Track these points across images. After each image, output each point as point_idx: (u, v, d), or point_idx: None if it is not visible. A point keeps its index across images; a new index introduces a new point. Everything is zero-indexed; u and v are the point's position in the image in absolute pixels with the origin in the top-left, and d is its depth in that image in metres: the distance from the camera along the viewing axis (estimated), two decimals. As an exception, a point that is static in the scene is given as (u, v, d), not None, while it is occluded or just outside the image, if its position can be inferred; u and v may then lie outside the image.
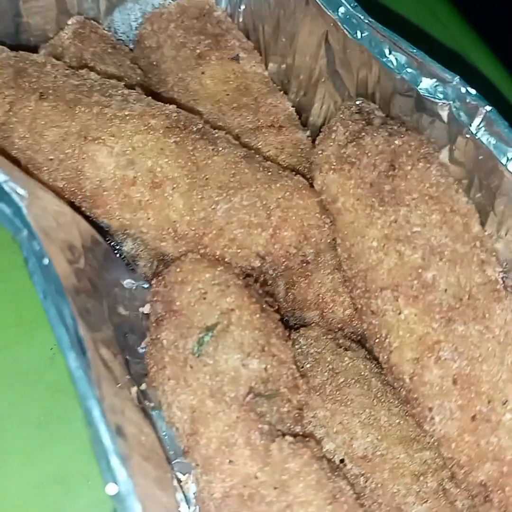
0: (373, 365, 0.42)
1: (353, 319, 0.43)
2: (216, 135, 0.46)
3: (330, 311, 0.44)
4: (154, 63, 0.56)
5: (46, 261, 0.34)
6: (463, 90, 0.40)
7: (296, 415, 0.37)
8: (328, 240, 0.39)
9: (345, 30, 0.50)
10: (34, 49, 0.58)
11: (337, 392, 0.38)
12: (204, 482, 0.37)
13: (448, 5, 0.63)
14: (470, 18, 0.68)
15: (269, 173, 0.43)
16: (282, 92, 0.56)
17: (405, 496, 0.36)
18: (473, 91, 0.42)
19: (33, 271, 0.34)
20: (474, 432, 0.31)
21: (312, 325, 0.46)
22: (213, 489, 0.35)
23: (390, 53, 0.44)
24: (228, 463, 0.33)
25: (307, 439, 0.39)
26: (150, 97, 0.49)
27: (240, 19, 0.57)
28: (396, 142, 0.37)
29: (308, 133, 0.53)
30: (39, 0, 0.48)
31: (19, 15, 0.51)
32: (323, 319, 0.46)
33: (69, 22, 0.54)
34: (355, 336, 0.48)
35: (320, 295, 0.44)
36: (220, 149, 0.44)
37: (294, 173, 0.46)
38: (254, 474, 0.32)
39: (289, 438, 0.36)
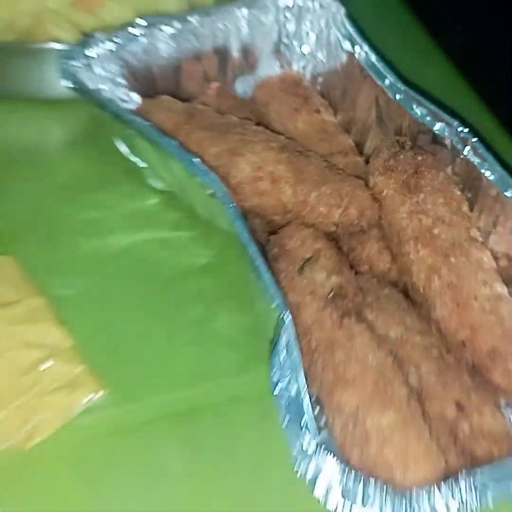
0: (401, 295, 0.61)
1: (390, 271, 0.62)
2: (310, 154, 0.68)
3: (376, 265, 0.63)
4: (264, 114, 0.77)
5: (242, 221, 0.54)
6: (459, 129, 0.60)
7: (357, 311, 0.56)
8: (376, 218, 0.59)
9: (389, 94, 0.72)
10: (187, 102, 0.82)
11: (379, 306, 0.57)
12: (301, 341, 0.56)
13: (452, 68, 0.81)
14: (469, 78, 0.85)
15: (342, 176, 0.64)
16: (346, 133, 0.77)
17: (419, 359, 0.55)
18: (466, 130, 0.63)
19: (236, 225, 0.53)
20: (458, 314, 0.49)
21: (363, 273, 0.66)
22: (309, 345, 0.53)
23: (416, 108, 0.64)
24: (319, 330, 0.52)
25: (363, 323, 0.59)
26: (268, 130, 0.70)
27: (319, 87, 0.78)
28: (419, 158, 0.58)
29: (363, 158, 0.73)
30: (195, 66, 0.68)
31: (179, 76, 0.71)
32: (371, 271, 0.65)
33: (212, 86, 0.74)
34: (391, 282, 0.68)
35: (369, 255, 0.63)
36: (313, 161, 0.65)
37: (355, 178, 0.68)
38: (331, 328, 0.50)
39: (354, 319, 0.55)
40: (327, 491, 0.30)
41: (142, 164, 0.47)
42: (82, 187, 0.50)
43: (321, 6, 0.49)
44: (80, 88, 0.40)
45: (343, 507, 0.30)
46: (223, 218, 0.43)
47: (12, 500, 0.35)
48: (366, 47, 0.46)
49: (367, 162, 0.53)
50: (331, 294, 0.43)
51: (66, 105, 0.50)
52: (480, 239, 0.43)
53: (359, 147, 0.64)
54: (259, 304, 0.44)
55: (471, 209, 0.46)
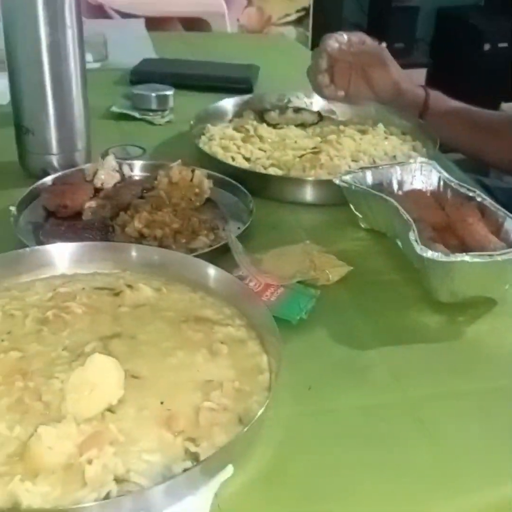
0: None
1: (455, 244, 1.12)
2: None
3: (450, 241, 1.07)
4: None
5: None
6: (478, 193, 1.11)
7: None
8: (447, 223, 1.11)
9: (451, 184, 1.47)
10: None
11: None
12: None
13: None
14: None
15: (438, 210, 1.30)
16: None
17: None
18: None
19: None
20: (472, 237, 1.17)
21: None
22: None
23: (461, 188, 1.31)
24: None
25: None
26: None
27: (429, 194, 1.49)
28: (461, 202, 1.13)
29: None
30: (380, 187, 1.51)
31: (374, 188, 1.60)
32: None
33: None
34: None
35: (446, 237, 1.11)
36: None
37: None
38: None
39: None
40: None
41: (359, 215, 1.30)
42: (328, 229, 1.33)
43: (428, 163, 1.32)
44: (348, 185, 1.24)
45: None
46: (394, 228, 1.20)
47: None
48: (444, 173, 1.27)
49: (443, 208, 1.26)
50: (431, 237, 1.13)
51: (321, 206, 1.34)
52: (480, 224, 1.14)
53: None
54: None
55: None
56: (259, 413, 0.74)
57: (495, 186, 1.77)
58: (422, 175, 1.23)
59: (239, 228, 1.13)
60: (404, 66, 4.11)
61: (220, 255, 1.06)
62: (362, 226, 1.22)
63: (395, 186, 1.23)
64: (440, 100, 1.58)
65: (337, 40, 1.48)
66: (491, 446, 0.75)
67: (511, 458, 0.75)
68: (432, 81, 4.08)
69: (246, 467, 0.73)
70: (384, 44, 1.47)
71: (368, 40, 1.50)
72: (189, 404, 0.78)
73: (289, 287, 1.00)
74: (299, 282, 1.03)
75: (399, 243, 1.11)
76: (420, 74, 4.12)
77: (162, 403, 0.78)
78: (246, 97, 1.58)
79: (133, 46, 1.94)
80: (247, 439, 0.74)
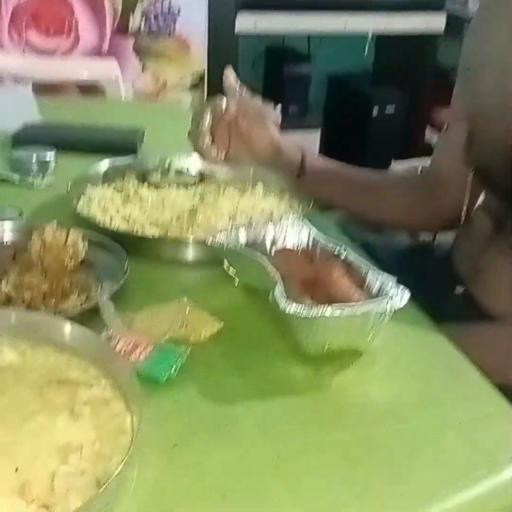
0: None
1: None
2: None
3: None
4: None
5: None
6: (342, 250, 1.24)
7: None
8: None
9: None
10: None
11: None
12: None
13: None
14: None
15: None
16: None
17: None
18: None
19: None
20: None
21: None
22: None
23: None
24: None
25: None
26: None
27: None
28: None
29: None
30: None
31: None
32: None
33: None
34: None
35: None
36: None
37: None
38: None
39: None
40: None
41: (233, 272, 1.33)
42: (204, 286, 1.35)
43: (299, 221, 1.37)
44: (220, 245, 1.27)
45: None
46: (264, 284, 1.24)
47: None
48: (314, 230, 1.32)
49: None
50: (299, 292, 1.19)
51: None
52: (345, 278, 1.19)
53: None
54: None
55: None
56: (115, 473, 0.73)
57: (376, 243, 1.84)
58: (294, 232, 1.27)
59: (111, 287, 1.12)
60: (298, 128, 4.24)
61: (92, 316, 1.06)
62: (237, 283, 1.24)
63: (268, 244, 1.26)
64: (317, 160, 1.65)
65: (217, 103, 1.53)
66: (354, 499, 0.81)
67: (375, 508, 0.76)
68: (325, 143, 4.25)
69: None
70: (279, 107, 1.53)
71: (253, 102, 1.54)
72: (45, 469, 0.77)
73: (158, 346, 1.01)
74: (170, 339, 1.03)
75: (270, 299, 1.14)
76: (314, 137, 4.27)
77: (16, 470, 0.75)
78: (128, 159, 1.60)
79: (17, 111, 1.94)
80: (104, 501, 0.73)
